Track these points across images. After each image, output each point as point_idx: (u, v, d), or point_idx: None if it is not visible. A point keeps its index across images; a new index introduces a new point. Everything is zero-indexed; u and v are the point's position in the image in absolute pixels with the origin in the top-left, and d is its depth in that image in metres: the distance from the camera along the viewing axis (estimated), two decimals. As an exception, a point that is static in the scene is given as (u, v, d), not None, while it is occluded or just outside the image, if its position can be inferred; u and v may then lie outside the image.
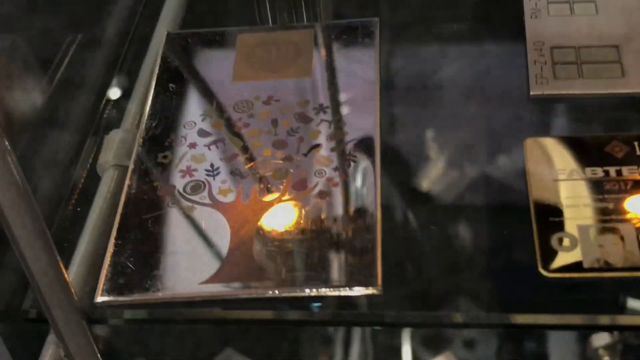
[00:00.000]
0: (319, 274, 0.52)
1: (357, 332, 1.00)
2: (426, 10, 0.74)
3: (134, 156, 0.60)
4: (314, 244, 0.54)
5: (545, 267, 0.51)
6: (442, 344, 1.03)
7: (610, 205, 0.54)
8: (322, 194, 0.56)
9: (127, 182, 0.59)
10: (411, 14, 0.74)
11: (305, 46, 0.68)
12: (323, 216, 0.55)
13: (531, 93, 0.62)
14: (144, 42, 0.72)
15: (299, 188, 0.57)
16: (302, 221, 0.55)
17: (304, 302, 0.52)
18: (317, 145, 0.59)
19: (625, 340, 0.95)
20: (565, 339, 1.00)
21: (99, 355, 0.53)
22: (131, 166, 0.60)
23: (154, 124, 0.63)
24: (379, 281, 0.51)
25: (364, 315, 0.53)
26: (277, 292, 0.52)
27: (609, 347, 0.98)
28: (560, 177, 0.56)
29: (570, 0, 0.69)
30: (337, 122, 0.61)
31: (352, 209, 0.56)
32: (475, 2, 0.72)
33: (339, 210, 0.56)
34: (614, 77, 0.62)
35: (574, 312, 0.52)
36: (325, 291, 0.51)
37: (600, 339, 0.97)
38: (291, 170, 0.58)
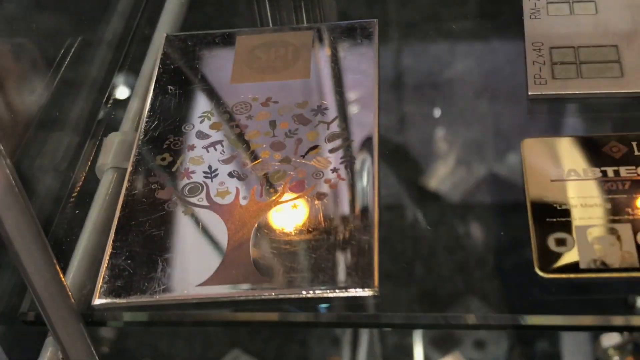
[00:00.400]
0: (316, 275, 0.53)
1: (364, 333, 1.01)
2: (425, 11, 0.75)
3: (132, 158, 0.62)
4: (311, 246, 0.55)
5: (542, 267, 0.52)
6: (449, 344, 1.04)
7: (608, 206, 0.55)
8: (320, 196, 0.57)
9: (125, 184, 0.60)
10: (410, 14, 0.75)
11: (304, 48, 0.69)
12: (320, 218, 0.56)
13: (529, 93, 0.64)
14: (144, 44, 0.73)
15: (297, 190, 0.58)
16: (299, 223, 0.56)
17: (301, 304, 0.53)
18: (315, 147, 0.60)
19: (636, 340, 0.96)
20: (574, 339, 1.01)
21: (97, 357, 0.54)
22: (129, 168, 0.61)
23: (152, 126, 0.64)
24: (376, 283, 0.52)
25: (361, 317, 0.54)
26: (274, 294, 0.53)
27: (618, 347, 0.99)
28: (558, 177, 0.57)
29: (570, 0, 0.70)
30: (336, 123, 0.62)
31: (349, 211, 0.56)
32: (475, 3, 0.73)
33: (336, 212, 0.57)
34: (613, 76, 0.63)
35: (571, 312, 0.53)
36: (322, 293, 0.52)
37: (610, 339, 0.97)
38: (289, 172, 0.59)
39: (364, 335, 1.02)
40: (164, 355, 0.95)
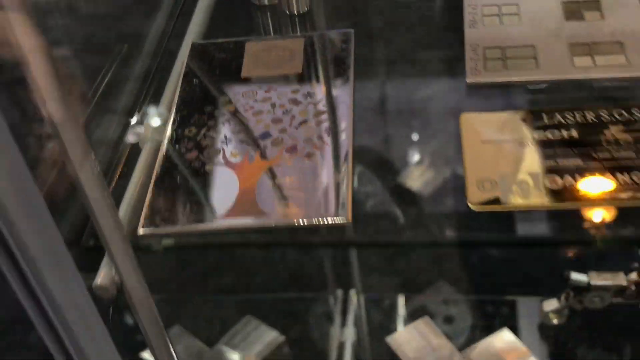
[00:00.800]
0: (304, 209, 0.65)
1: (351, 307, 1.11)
2: (386, 23, 0.85)
3: (167, 131, 0.73)
4: (301, 189, 0.66)
5: (473, 202, 0.63)
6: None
7: (524, 159, 0.65)
8: (309, 155, 0.68)
9: (161, 151, 0.71)
10: (379, 26, 0.85)
11: (297, 50, 0.80)
12: (309, 170, 0.67)
13: (467, 81, 0.73)
14: (175, 50, 0.84)
15: (291, 152, 0.69)
16: (292, 174, 0.67)
17: (293, 230, 0.65)
18: (305, 121, 0.72)
19: (571, 305, 1.06)
20: (525, 308, 1.10)
21: (142, 275, 0.65)
22: (165, 139, 0.72)
23: (182, 108, 0.75)
24: (349, 213, 0.64)
25: (337, 240, 0.67)
26: (273, 223, 0.64)
27: (557, 311, 1.09)
28: (487, 139, 0.68)
29: (499, 14, 0.79)
30: (321, 104, 0.73)
31: (331, 164, 0.68)
32: (425, 16, 0.83)
33: (321, 165, 0.68)
34: (530, 68, 0.73)
35: (492, 234, 0.66)
36: (308, 222, 0.64)
37: (550, 305, 1.08)
38: (286, 140, 0.70)
39: (351, 309, 1.12)
40: (186, 324, 1.04)
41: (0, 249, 0.47)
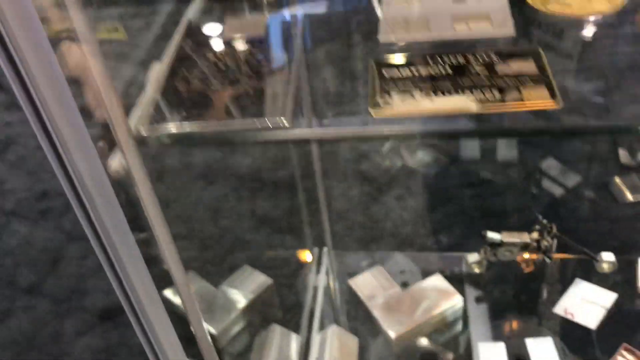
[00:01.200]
0: (258, 114, 0.88)
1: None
2: (332, 7, 1.09)
3: (167, 71, 0.97)
4: (258, 103, 0.90)
5: (374, 113, 0.86)
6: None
7: (403, 84, 0.89)
8: (265, 82, 0.92)
9: (161, 82, 0.95)
10: (326, 7, 1.09)
11: (263, 22, 1.05)
12: (264, 91, 0.91)
13: (380, 40, 0.96)
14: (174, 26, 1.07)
15: (253, 80, 0.92)
16: (254, 94, 0.91)
17: (253, 130, 0.87)
18: (263, 60, 0.96)
19: (488, 258, 1.27)
20: (455, 262, 1.30)
21: (141, 160, 0.85)
22: (165, 76, 0.96)
23: (178, 59, 0.99)
24: (290, 117, 0.87)
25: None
26: (239, 126, 0.88)
27: (477, 263, 1.30)
28: (389, 76, 0.90)
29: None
30: (277, 50, 0.98)
31: (280, 86, 0.91)
32: (356, 21, 1.06)
33: (273, 87, 0.92)
34: (424, 31, 0.95)
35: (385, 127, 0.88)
36: (262, 122, 0.87)
37: (472, 258, 1.29)
38: (249, 74, 0.94)
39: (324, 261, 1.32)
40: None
41: (48, 145, 0.66)
